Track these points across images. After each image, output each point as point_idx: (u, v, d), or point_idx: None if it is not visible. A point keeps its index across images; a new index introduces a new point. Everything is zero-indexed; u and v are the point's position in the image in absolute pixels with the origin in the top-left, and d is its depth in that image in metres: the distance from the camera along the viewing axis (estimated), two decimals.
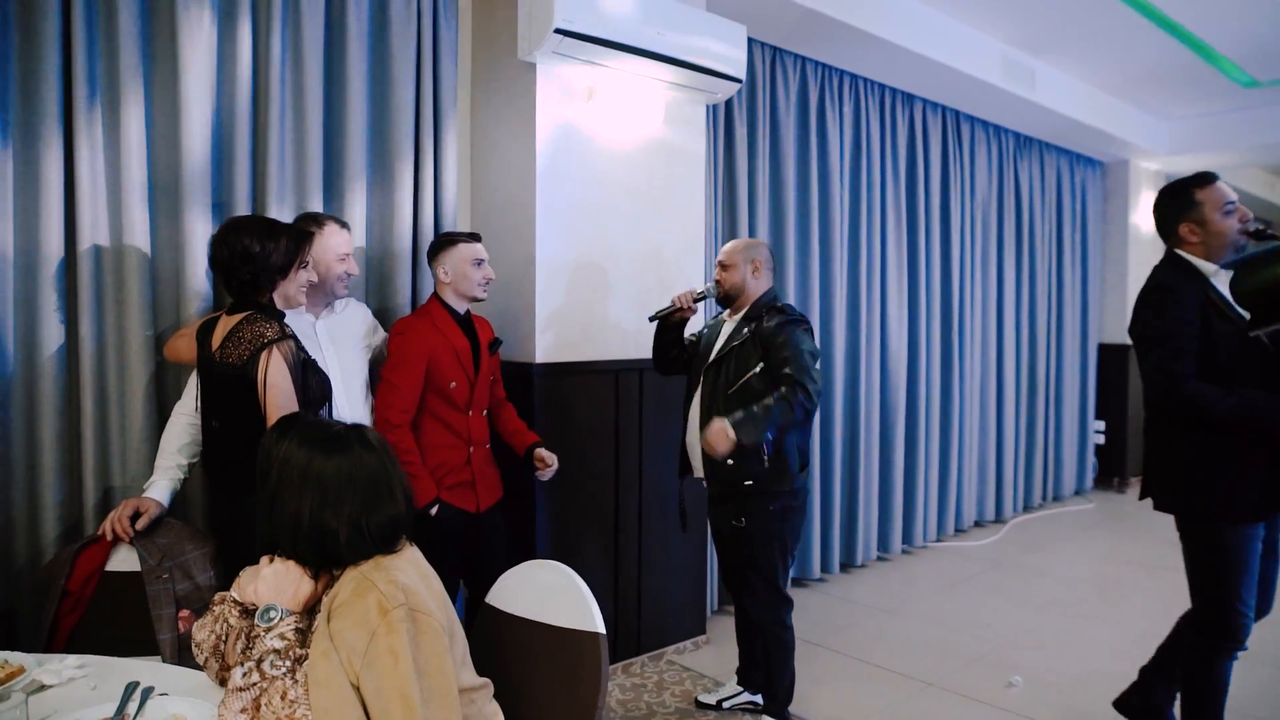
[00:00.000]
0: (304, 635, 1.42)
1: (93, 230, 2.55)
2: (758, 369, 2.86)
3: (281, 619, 1.41)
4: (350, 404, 2.67)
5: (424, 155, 3.25)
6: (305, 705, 1.34)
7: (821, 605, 4.53)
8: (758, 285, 3.04)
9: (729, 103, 4.24)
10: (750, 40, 4.23)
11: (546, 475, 3.02)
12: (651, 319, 3.18)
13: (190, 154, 2.68)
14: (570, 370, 3.44)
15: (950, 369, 5.73)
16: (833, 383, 4.88)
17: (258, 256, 2.17)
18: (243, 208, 2.79)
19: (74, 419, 2.56)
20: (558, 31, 3.06)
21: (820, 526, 4.87)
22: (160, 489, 2.36)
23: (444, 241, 2.86)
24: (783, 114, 4.51)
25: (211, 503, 2.55)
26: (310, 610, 1.47)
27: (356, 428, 1.53)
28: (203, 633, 1.49)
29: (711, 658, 3.82)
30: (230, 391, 2.13)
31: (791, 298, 4.59)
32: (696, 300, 3.12)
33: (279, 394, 2.07)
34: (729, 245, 3.09)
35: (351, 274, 2.66)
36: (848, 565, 5.13)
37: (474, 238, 2.87)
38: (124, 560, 2.29)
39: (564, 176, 3.39)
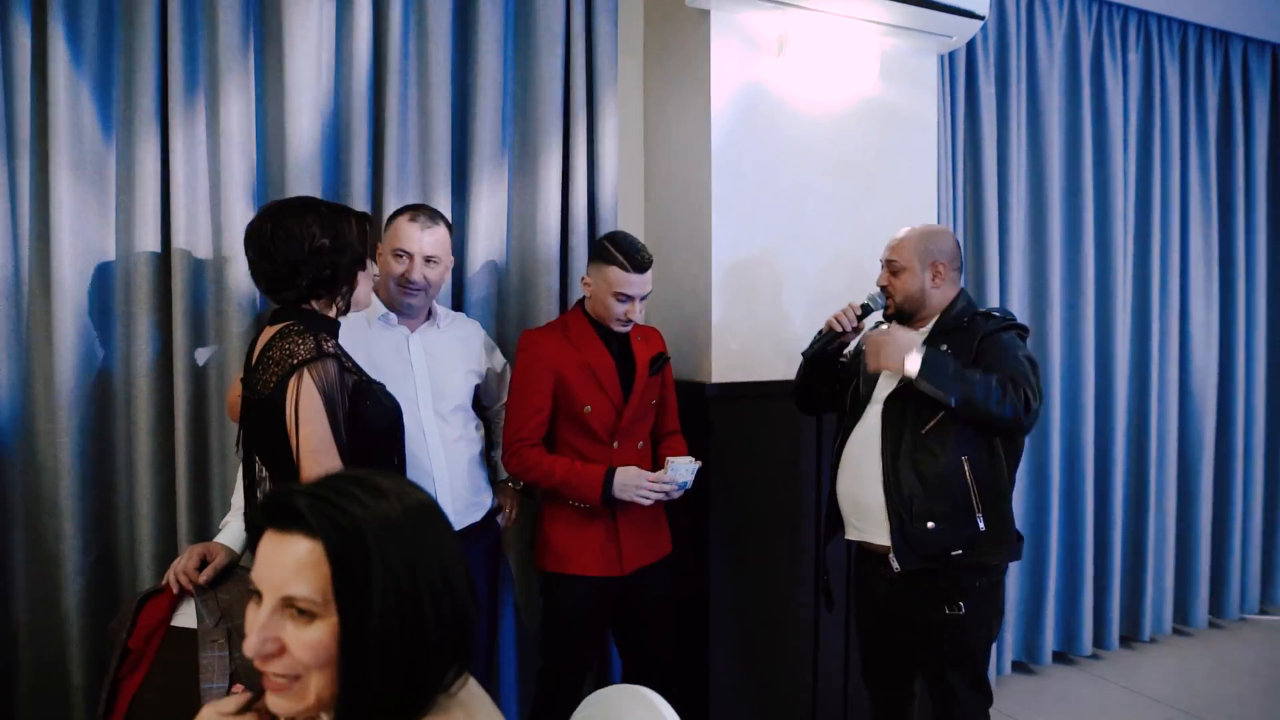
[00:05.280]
0: None
1: (190, 231, 2.25)
2: None
3: None
4: (442, 435, 2.20)
5: (575, 135, 2.71)
6: None
7: (1094, 694, 3.52)
8: (940, 295, 2.25)
9: (970, 53, 3.37)
10: None
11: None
12: (809, 355, 2.39)
13: (298, 144, 2.33)
14: (756, 392, 2.77)
15: None
16: (1113, 406, 3.83)
17: (332, 247, 1.70)
18: (360, 204, 2.40)
19: (167, 442, 2.27)
20: None
21: (1095, 587, 3.86)
22: (232, 532, 1.98)
23: (599, 252, 2.30)
24: (1044, 66, 3.56)
25: None
26: None
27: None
28: None
29: None
30: (271, 429, 1.67)
31: (1057, 301, 3.62)
32: (861, 316, 2.32)
33: (311, 432, 1.59)
34: (899, 237, 2.29)
35: (411, 280, 2.12)
36: (1131, 639, 4.04)
37: (635, 265, 2.23)
38: (191, 614, 1.93)
39: (748, 151, 2.72)
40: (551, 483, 2.24)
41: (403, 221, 2.14)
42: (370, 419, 1.70)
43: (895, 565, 2.15)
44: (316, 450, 1.60)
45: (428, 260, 2.14)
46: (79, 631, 2.19)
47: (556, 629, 2.36)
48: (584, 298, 2.39)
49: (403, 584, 0.90)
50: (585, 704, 1.38)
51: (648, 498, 2.24)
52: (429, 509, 0.97)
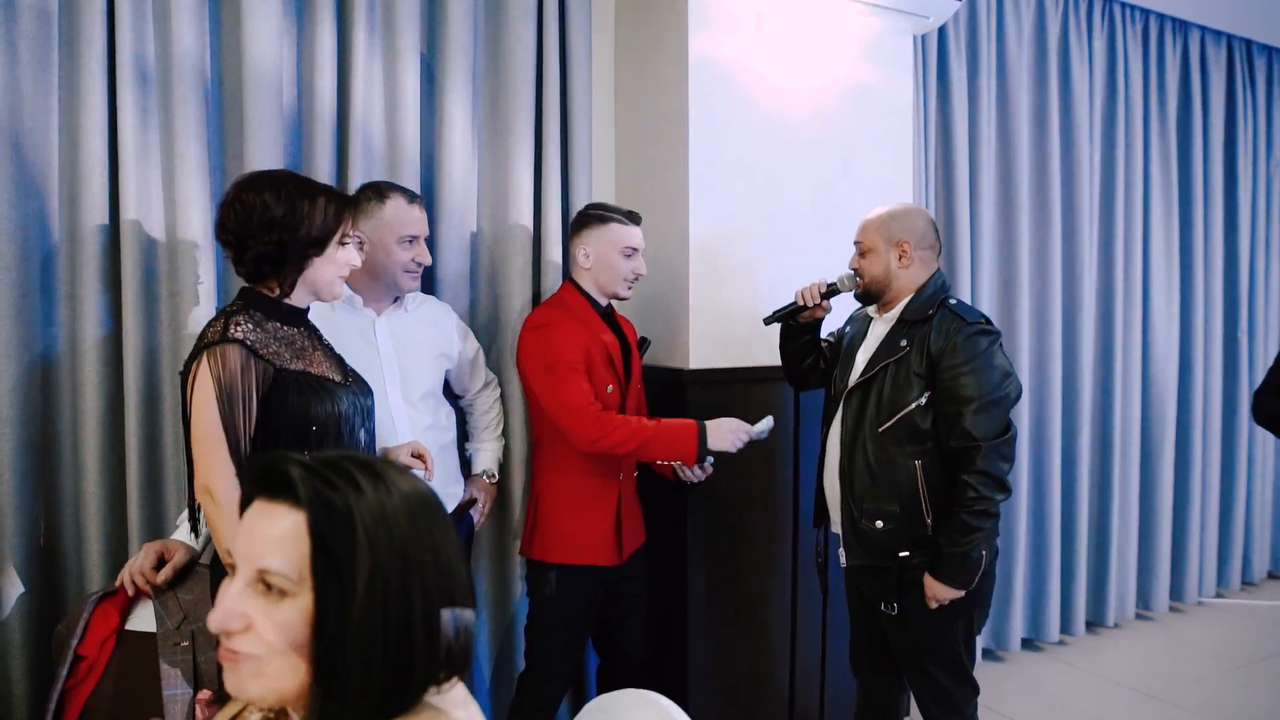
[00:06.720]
0: None
1: (141, 206, 2.09)
2: (922, 400, 2.03)
3: None
4: (412, 423, 2.09)
5: (548, 112, 2.60)
6: None
7: (1062, 680, 3.53)
8: (909, 277, 2.15)
9: (942, 36, 3.35)
10: None
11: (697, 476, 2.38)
12: (768, 322, 2.38)
13: (257, 114, 2.18)
14: (735, 378, 2.70)
15: (1237, 377, 4.46)
16: (1078, 393, 3.84)
17: (282, 222, 1.59)
18: (323, 179, 2.26)
19: (117, 433, 2.12)
20: None
21: (1061, 575, 3.86)
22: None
23: (592, 216, 2.26)
24: (1013, 50, 3.55)
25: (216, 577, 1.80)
26: None
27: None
28: None
29: None
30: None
31: (1025, 287, 3.61)
32: (826, 296, 2.28)
33: (200, 421, 1.53)
34: (867, 217, 2.23)
35: (421, 263, 2.10)
36: (1095, 625, 4.07)
37: (632, 218, 2.27)
38: (148, 617, 1.80)
39: (725, 130, 2.65)
40: (641, 440, 2.08)
41: (402, 204, 2.07)
42: (288, 414, 1.58)
43: (843, 560, 2.13)
44: (203, 441, 1.53)
45: (425, 240, 2.13)
46: (21, 638, 2.02)
47: (552, 626, 2.25)
48: (570, 278, 2.31)
49: (390, 576, 0.83)
50: (590, 710, 1.29)
51: (740, 443, 2.19)
52: (431, 503, 0.90)
